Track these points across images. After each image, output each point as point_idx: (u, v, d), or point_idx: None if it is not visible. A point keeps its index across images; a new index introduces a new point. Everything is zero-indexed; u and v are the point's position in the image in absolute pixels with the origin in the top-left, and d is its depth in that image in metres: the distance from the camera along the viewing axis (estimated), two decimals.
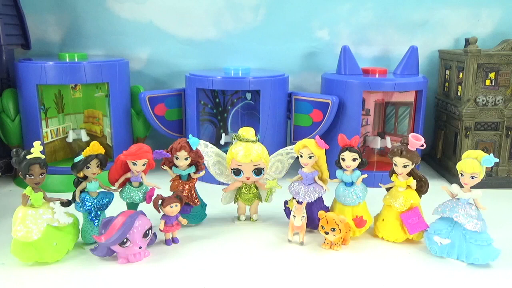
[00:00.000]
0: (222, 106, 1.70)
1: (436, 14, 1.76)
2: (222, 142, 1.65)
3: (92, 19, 1.72)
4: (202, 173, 1.16)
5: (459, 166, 1.01)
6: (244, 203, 1.22)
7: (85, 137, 1.63)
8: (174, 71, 1.78)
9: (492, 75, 1.50)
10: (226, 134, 1.69)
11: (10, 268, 0.97)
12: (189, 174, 1.15)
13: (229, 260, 1.03)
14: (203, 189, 1.26)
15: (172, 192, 1.13)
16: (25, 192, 0.96)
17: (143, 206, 1.10)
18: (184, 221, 1.11)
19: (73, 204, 1.07)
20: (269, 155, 1.20)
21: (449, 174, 1.60)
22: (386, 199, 1.13)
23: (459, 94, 1.58)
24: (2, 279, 0.93)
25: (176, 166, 1.14)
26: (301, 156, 1.12)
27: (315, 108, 1.53)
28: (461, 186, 1.03)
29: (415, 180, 1.10)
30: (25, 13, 1.59)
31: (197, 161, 1.14)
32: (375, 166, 1.59)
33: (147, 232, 0.99)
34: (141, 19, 1.73)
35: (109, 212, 1.08)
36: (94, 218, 1.07)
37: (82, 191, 1.07)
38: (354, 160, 1.09)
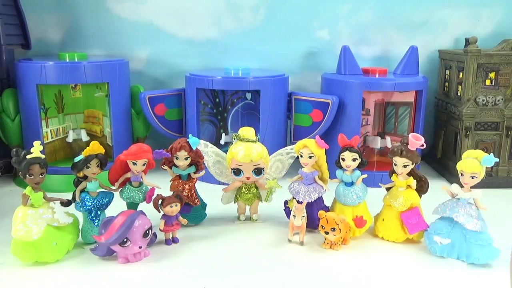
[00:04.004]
0: (222, 106, 1.70)
1: (436, 14, 1.76)
2: (222, 142, 1.65)
3: (92, 19, 1.72)
4: (202, 173, 1.16)
5: (459, 166, 1.01)
6: (244, 203, 1.22)
7: (85, 137, 1.63)
8: (174, 71, 1.78)
9: (492, 75, 1.50)
10: (226, 134, 1.69)
11: (10, 268, 0.97)
12: (189, 174, 1.15)
13: (229, 260, 1.03)
14: (203, 189, 1.26)
15: (172, 192, 1.13)
16: (25, 192, 0.96)
17: (143, 206, 1.10)
18: (184, 221, 1.11)
19: (73, 204, 1.07)
20: (269, 155, 1.20)
21: (449, 174, 1.60)
22: (386, 199, 1.13)
23: (459, 94, 1.58)
24: (2, 279, 0.93)
25: (176, 166, 1.14)
26: (301, 156, 1.12)
27: (315, 108, 1.53)
28: (461, 186, 1.03)
29: (415, 180, 1.10)
30: (25, 13, 1.59)
31: (197, 161, 1.14)
32: (375, 166, 1.59)
33: (147, 232, 0.99)
34: (141, 19, 1.73)
35: (109, 212, 1.07)
36: (94, 218, 1.07)
37: (82, 191, 1.07)
38: (354, 160, 1.09)
